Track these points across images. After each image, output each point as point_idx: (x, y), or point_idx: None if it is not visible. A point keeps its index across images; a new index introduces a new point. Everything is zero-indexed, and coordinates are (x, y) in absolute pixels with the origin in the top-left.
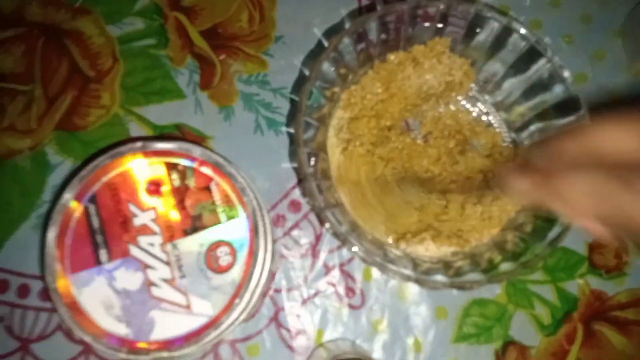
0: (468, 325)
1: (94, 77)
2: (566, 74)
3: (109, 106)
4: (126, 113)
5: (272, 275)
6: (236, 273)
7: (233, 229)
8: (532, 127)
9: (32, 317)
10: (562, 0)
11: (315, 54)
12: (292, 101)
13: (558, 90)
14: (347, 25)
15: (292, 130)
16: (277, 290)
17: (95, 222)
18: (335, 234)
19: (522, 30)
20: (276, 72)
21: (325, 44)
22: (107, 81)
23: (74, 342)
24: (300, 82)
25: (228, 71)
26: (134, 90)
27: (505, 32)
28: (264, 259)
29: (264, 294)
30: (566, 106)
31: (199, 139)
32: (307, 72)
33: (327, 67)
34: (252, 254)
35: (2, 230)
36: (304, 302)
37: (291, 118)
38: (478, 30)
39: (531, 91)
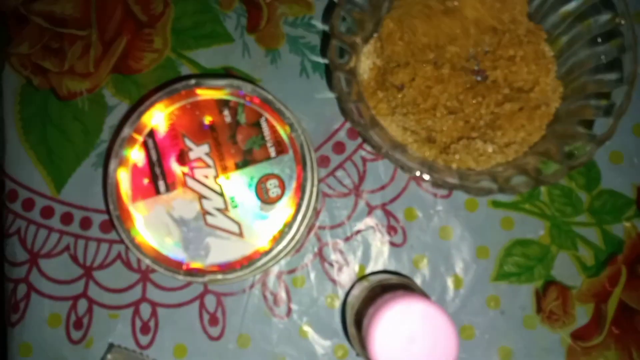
0: (509, 264)
1: (146, 21)
2: None
3: (162, 50)
4: (177, 57)
5: (316, 213)
6: (285, 204)
7: (282, 163)
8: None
9: (93, 247)
10: None
11: None
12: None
13: None
14: None
15: (325, 61)
16: (321, 227)
17: (154, 155)
18: (377, 149)
19: None
20: (322, 14)
21: None
22: (159, 25)
23: (132, 270)
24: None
25: (274, 14)
26: (185, 34)
27: None
28: (311, 193)
29: (308, 230)
30: None
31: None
32: None
33: None
34: (300, 187)
35: (66, 167)
36: (347, 239)
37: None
38: None
39: None
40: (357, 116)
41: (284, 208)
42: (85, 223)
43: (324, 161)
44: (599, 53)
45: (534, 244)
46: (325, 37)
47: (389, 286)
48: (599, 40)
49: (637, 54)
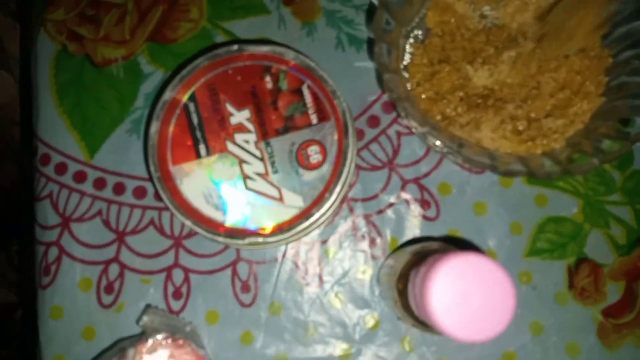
0: (542, 241)
1: None
2: None
3: (197, 20)
4: (213, 27)
5: (351, 185)
6: (326, 170)
7: (324, 129)
8: None
9: (126, 212)
10: None
11: None
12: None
13: None
14: None
15: (370, 33)
16: (354, 200)
17: (195, 119)
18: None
19: None
20: None
21: None
22: None
23: (166, 236)
24: None
25: None
26: (221, 5)
27: None
28: (351, 161)
29: (343, 201)
30: None
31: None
32: None
33: None
34: (342, 153)
35: (100, 133)
36: (380, 212)
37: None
38: None
39: None
40: (395, 88)
41: (325, 174)
42: (119, 188)
43: (358, 134)
44: None
45: (567, 222)
46: (371, 7)
47: (431, 251)
48: None
49: None
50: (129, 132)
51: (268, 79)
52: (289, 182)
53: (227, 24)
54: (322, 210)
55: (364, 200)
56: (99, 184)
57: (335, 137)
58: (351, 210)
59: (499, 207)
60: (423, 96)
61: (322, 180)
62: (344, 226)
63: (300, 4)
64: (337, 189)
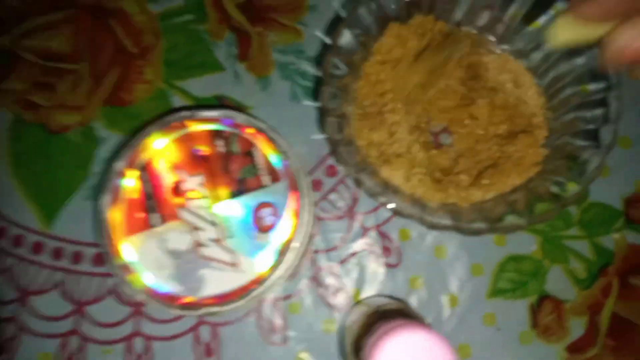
0: (503, 280)
1: (137, 53)
2: None
3: (153, 81)
4: (169, 87)
5: (311, 238)
6: (280, 232)
7: (276, 191)
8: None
9: (85, 281)
10: None
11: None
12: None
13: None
14: None
15: (317, 104)
16: (316, 252)
17: (147, 188)
18: (372, 194)
19: None
20: (310, 41)
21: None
22: (150, 57)
23: (125, 304)
24: (324, 52)
25: (264, 42)
26: (176, 65)
27: None
28: (306, 220)
29: (303, 255)
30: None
31: (238, 109)
32: (328, 41)
33: (347, 37)
34: (295, 215)
35: (57, 201)
36: (342, 262)
37: (316, 90)
38: None
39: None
40: (333, 132)
41: (279, 236)
42: (77, 257)
43: (316, 185)
44: (585, 93)
45: (527, 259)
46: (318, 80)
47: (386, 312)
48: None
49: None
50: (86, 198)
51: (220, 142)
52: (244, 247)
53: (182, 83)
54: (278, 273)
55: (326, 251)
56: (57, 253)
57: (289, 197)
58: (313, 263)
59: (459, 249)
60: (360, 142)
61: (277, 243)
62: (307, 280)
63: (255, 59)
64: (292, 251)
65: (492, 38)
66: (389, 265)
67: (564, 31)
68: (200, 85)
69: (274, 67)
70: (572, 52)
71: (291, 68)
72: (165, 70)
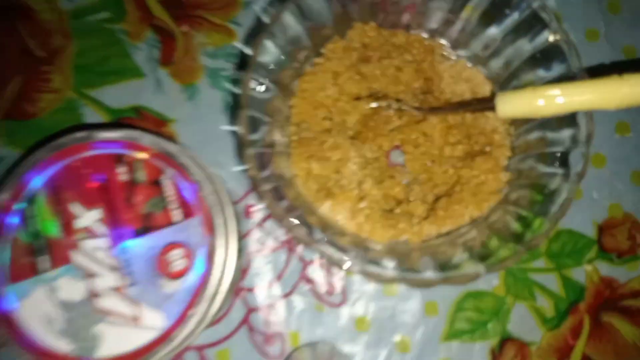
0: (461, 320)
1: (44, 57)
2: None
3: (61, 90)
4: (80, 97)
5: (241, 273)
6: (191, 279)
7: (189, 228)
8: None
9: None
10: None
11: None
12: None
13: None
14: None
15: (237, 129)
16: (249, 289)
17: (35, 225)
18: (303, 242)
19: None
20: (246, 42)
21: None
22: (59, 62)
23: None
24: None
25: (191, 44)
26: (88, 71)
27: None
28: (225, 262)
29: (235, 294)
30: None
31: (160, 123)
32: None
33: (270, 50)
34: (210, 258)
35: None
36: (279, 300)
37: (234, 112)
38: None
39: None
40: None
41: (191, 283)
42: None
43: (250, 211)
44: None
45: (487, 296)
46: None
47: None
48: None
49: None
50: None
51: (122, 169)
52: (149, 297)
53: (95, 92)
54: (187, 330)
55: (261, 288)
56: None
57: (203, 236)
58: (245, 303)
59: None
60: (297, 173)
61: (187, 293)
62: (236, 323)
63: (179, 64)
64: (204, 304)
65: (445, 42)
66: (332, 305)
67: (506, 106)
68: (116, 95)
69: (203, 73)
70: (536, 60)
71: (222, 74)
72: (75, 77)
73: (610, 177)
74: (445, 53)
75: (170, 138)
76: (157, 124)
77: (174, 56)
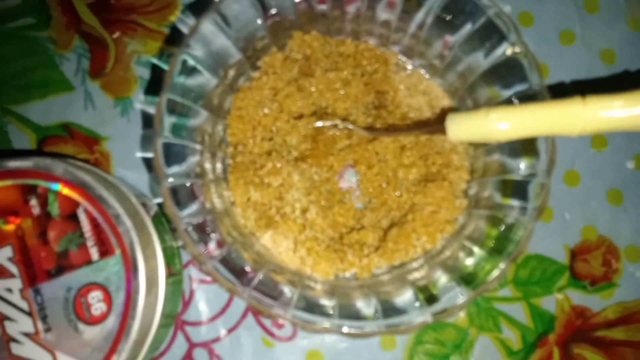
0: (420, 354)
1: None
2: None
3: None
4: (2, 113)
5: (183, 305)
6: (111, 324)
7: (108, 268)
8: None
9: None
10: None
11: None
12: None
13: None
14: None
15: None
16: (192, 323)
17: None
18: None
19: None
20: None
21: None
22: None
23: None
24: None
25: (124, 52)
26: (9, 85)
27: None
28: (150, 305)
29: (177, 327)
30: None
31: (91, 141)
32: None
33: (214, 36)
34: (130, 300)
35: None
36: (224, 335)
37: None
38: None
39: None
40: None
41: (111, 328)
42: None
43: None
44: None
45: (449, 327)
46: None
47: None
48: None
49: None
50: None
51: (34, 202)
52: (66, 344)
53: (19, 107)
54: None
55: (205, 322)
56: None
57: (123, 277)
58: (187, 338)
59: None
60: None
61: (107, 339)
62: (178, 359)
63: (111, 75)
64: (126, 351)
65: (398, 50)
66: (281, 339)
67: (457, 129)
68: (43, 110)
69: (137, 84)
70: (494, 74)
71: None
72: None
73: (584, 196)
74: (400, 62)
75: (104, 164)
76: (88, 142)
77: (105, 66)
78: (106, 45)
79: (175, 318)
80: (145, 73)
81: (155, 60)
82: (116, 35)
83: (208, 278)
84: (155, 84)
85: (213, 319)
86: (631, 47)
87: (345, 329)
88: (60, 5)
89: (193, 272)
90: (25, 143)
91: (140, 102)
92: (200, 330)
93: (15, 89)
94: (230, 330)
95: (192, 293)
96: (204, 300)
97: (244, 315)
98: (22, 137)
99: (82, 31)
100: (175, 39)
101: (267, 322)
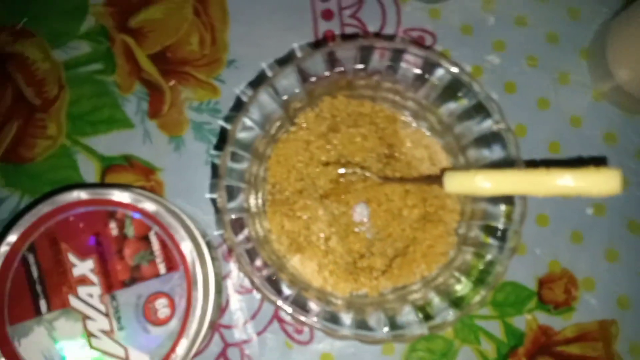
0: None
1: (39, 105)
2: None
3: (56, 137)
4: (73, 144)
5: (220, 312)
6: (174, 326)
7: (172, 280)
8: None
9: None
10: (529, 18)
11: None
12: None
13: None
14: (298, 53)
15: (216, 197)
16: (227, 327)
17: (35, 272)
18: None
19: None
20: (228, 99)
21: (269, 72)
22: (54, 110)
23: None
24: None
25: (178, 98)
26: (81, 120)
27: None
28: (203, 311)
29: (214, 329)
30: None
31: (148, 171)
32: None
33: (248, 125)
34: (190, 307)
35: None
36: (253, 337)
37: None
38: (427, 75)
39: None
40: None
41: (173, 331)
42: None
43: (229, 255)
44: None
45: (438, 338)
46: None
47: None
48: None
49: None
50: None
51: (113, 225)
52: (136, 340)
53: (88, 139)
54: None
55: (237, 326)
56: None
57: (184, 288)
58: (223, 339)
59: None
60: (272, 229)
61: (170, 338)
62: (214, 356)
63: (167, 116)
64: (183, 348)
65: (406, 113)
66: (300, 343)
67: (451, 184)
68: (107, 143)
69: (188, 125)
70: (482, 141)
71: (206, 128)
72: (69, 125)
73: (552, 236)
74: (407, 121)
75: (158, 191)
76: (145, 172)
77: (162, 109)
78: (163, 91)
79: (215, 322)
80: (195, 116)
81: (222, 123)
82: (171, 83)
83: (241, 290)
84: (199, 126)
85: (245, 323)
86: (595, 114)
87: (360, 337)
88: (124, 55)
89: (229, 285)
90: (91, 170)
91: (189, 141)
92: (233, 332)
93: (86, 124)
94: (259, 334)
95: (227, 302)
96: (238, 307)
97: (270, 322)
98: (89, 164)
99: (142, 78)
100: (219, 89)
101: (289, 328)
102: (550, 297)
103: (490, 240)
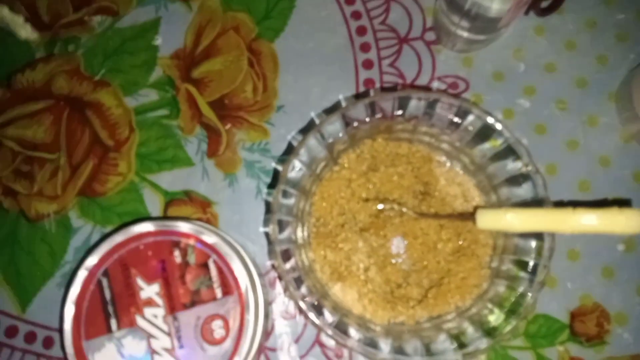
0: None
1: (112, 146)
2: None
3: (126, 174)
4: (140, 180)
5: (266, 335)
6: (228, 346)
7: (227, 304)
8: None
9: None
10: (558, 65)
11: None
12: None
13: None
14: (343, 103)
15: (269, 230)
16: (272, 349)
17: (107, 294)
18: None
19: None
20: (277, 140)
21: (316, 120)
22: (124, 150)
23: None
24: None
25: (233, 140)
26: (148, 159)
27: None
28: (254, 333)
29: (260, 351)
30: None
31: (205, 205)
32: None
33: (297, 167)
34: (242, 329)
35: (32, 287)
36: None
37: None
38: (460, 121)
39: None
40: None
41: (227, 350)
42: (48, 342)
43: (275, 282)
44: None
45: None
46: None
47: None
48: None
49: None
50: (59, 285)
51: (177, 253)
52: (194, 358)
53: (153, 176)
54: None
55: (281, 349)
56: (30, 337)
57: (238, 311)
58: None
59: None
60: (315, 259)
61: (224, 356)
62: None
63: (223, 156)
64: None
65: (441, 155)
66: None
67: (484, 220)
68: (170, 179)
69: (241, 164)
70: (512, 181)
71: (257, 166)
72: (138, 163)
73: (583, 270)
74: (441, 161)
75: (213, 222)
76: (202, 205)
77: (219, 149)
78: (220, 134)
79: (262, 344)
80: (247, 156)
81: (275, 165)
82: (228, 126)
83: (286, 315)
84: (250, 165)
85: (289, 347)
86: (624, 154)
87: (397, 358)
88: (187, 102)
89: (275, 310)
90: (156, 203)
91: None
92: (278, 355)
93: (152, 162)
94: (302, 357)
95: (273, 326)
96: (283, 332)
97: (312, 346)
98: (154, 198)
99: (202, 122)
100: (269, 131)
101: (330, 353)
102: (582, 329)
103: (522, 274)
